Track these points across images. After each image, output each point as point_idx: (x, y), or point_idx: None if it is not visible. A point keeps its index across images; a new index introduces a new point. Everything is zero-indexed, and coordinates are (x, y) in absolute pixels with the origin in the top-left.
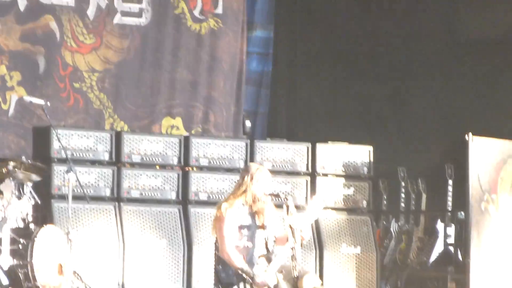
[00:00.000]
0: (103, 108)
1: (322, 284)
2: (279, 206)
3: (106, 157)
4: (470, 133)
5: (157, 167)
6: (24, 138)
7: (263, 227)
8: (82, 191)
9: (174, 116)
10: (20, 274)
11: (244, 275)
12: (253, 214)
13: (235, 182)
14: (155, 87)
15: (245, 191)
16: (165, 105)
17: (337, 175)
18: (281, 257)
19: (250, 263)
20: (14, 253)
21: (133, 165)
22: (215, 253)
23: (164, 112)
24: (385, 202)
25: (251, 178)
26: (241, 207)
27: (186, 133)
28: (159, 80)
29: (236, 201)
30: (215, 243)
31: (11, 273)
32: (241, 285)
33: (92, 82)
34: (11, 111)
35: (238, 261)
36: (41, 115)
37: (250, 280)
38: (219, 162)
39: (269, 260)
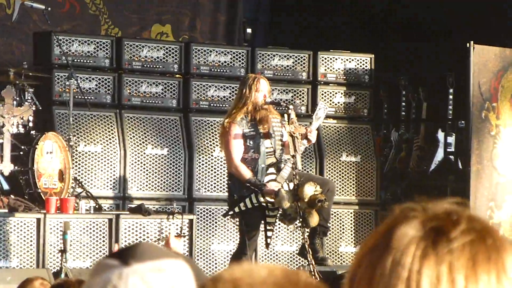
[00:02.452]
0: (99, 13)
1: (322, 193)
2: (280, 114)
3: (107, 63)
4: (472, 42)
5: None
6: (26, 43)
7: (268, 135)
8: (83, 97)
9: (164, 23)
10: (21, 180)
11: (252, 187)
12: (256, 124)
13: (236, 90)
14: None
15: (244, 103)
16: (155, 12)
17: (338, 84)
18: (290, 164)
19: (258, 173)
20: (15, 159)
21: (133, 72)
22: (227, 169)
23: (154, 19)
24: (385, 110)
25: (249, 89)
26: (243, 119)
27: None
28: None
29: (237, 114)
30: (226, 160)
31: (12, 179)
32: (253, 196)
33: None
34: (15, 15)
35: (245, 173)
36: (36, 21)
37: (259, 191)
38: (220, 70)
39: (278, 168)
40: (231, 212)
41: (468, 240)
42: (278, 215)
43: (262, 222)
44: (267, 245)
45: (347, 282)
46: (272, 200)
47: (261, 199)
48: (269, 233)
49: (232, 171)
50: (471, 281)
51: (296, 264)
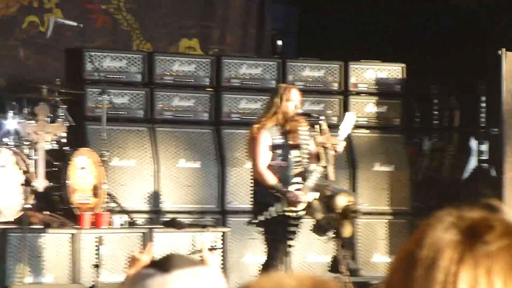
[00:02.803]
0: (131, 29)
1: (355, 203)
2: (312, 126)
3: (138, 78)
4: (503, 49)
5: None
6: (59, 60)
7: (296, 146)
8: (115, 112)
9: (191, 37)
10: (55, 196)
11: (277, 192)
12: (285, 134)
13: (266, 102)
14: (173, 7)
15: (275, 112)
16: (182, 25)
17: (370, 93)
18: (316, 174)
19: (285, 182)
20: (49, 176)
21: (165, 86)
22: (252, 176)
23: (181, 33)
24: (417, 119)
25: (281, 99)
26: (273, 127)
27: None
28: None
29: (267, 122)
30: (252, 166)
31: (46, 195)
32: (278, 205)
33: (120, 3)
34: (49, 33)
35: (270, 179)
36: (70, 37)
37: (284, 196)
38: (251, 82)
39: (304, 178)
40: (255, 221)
41: (505, 244)
42: (302, 224)
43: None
44: (287, 254)
45: (384, 286)
46: (296, 209)
47: (286, 208)
48: (291, 243)
49: (257, 176)
50: (509, 285)
51: (330, 275)
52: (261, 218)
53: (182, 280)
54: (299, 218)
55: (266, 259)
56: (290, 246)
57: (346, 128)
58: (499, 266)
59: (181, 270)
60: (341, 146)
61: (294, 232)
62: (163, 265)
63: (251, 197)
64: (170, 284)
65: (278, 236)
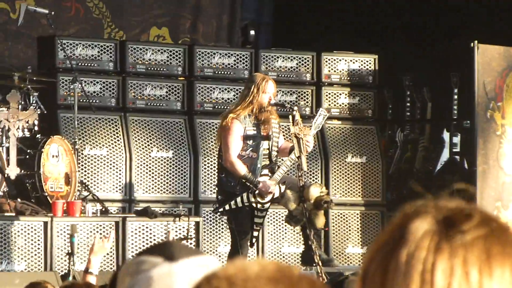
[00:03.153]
0: (102, 17)
1: (328, 194)
2: (284, 116)
3: (111, 67)
4: (476, 41)
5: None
6: (32, 47)
7: (268, 137)
8: (87, 101)
9: (160, 26)
10: (27, 184)
11: (247, 183)
12: (258, 125)
13: (239, 92)
14: None
15: (251, 102)
16: (153, 15)
17: (343, 85)
18: (284, 168)
19: (254, 173)
20: (21, 163)
21: (137, 75)
22: (219, 162)
23: (151, 22)
24: (390, 111)
25: (257, 89)
26: (246, 117)
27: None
28: None
29: (241, 111)
30: (219, 152)
31: (18, 182)
32: (244, 195)
33: None
34: (20, 20)
35: (241, 169)
36: (45, 25)
37: (254, 188)
38: (224, 72)
39: (272, 171)
40: (221, 209)
41: (482, 233)
42: (285, 216)
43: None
44: (252, 245)
45: (359, 278)
46: (263, 200)
47: (252, 199)
48: (255, 233)
49: (227, 166)
50: (485, 274)
51: (303, 266)
52: (227, 207)
53: (189, 270)
54: (265, 209)
55: (231, 249)
56: (254, 237)
57: (317, 123)
58: (475, 256)
59: (187, 260)
60: (311, 144)
61: (259, 223)
62: (169, 253)
63: (216, 185)
64: (177, 273)
65: (243, 226)
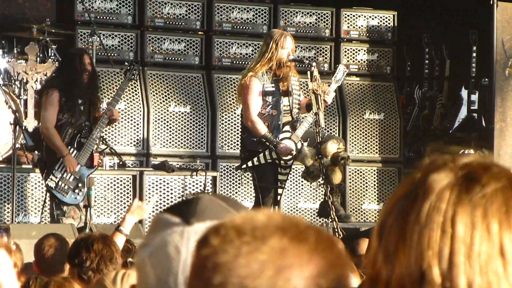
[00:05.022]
0: None
1: (345, 150)
2: (303, 72)
3: (129, 20)
4: None
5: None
6: (51, 0)
7: (287, 93)
8: (105, 54)
9: None
10: None
11: (267, 143)
12: (277, 81)
13: (258, 47)
14: None
15: (269, 58)
16: None
17: (361, 41)
18: (306, 124)
19: (275, 130)
20: (38, 116)
21: (156, 29)
22: (241, 122)
23: None
24: (408, 68)
25: (276, 44)
26: (265, 74)
27: None
28: None
29: (260, 68)
30: (241, 112)
31: (35, 135)
32: (266, 152)
33: None
34: None
35: (261, 129)
36: None
37: (274, 148)
38: (242, 27)
39: (293, 127)
40: (243, 166)
41: (500, 186)
42: (291, 173)
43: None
44: (277, 202)
45: (376, 230)
46: (285, 158)
47: (274, 156)
48: (279, 191)
49: (248, 124)
50: (504, 226)
51: (319, 221)
52: (250, 164)
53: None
54: (289, 166)
55: (254, 205)
56: (279, 194)
57: (337, 79)
58: (495, 208)
59: (203, 224)
60: (330, 97)
61: (283, 180)
62: (186, 214)
63: (239, 144)
64: (189, 239)
65: (266, 183)
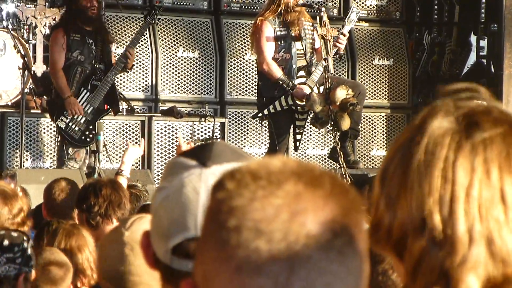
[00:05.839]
0: None
1: (353, 96)
2: (312, 17)
3: None
4: None
5: None
6: None
7: (299, 38)
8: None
9: None
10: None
11: (283, 85)
12: (287, 25)
13: None
14: None
15: (278, 4)
16: None
17: None
18: (320, 68)
19: (289, 74)
20: (47, 61)
21: None
22: (258, 69)
23: None
24: (418, 13)
25: None
26: (275, 19)
27: None
28: None
29: (270, 14)
30: (258, 58)
31: (45, 79)
32: (282, 99)
33: None
34: None
35: (277, 72)
36: None
37: (290, 90)
38: None
39: (308, 72)
40: (260, 114)
41: (500, 131)
42: (309, 118)
43: (292, 125)
44: (296, 148)
45: (378, 176)
46: (302, 103)
47: (291, 102)
48: (298, 136)
49: (263, 68)
50: (505, 171)
51: (328, 168)
52: (266, 112)
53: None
54: (306, 112)
55: (268, 151)
56: (298, 140)
57: (350, 19)
58: (495, 153)
59: (220, 166)
60: (343, 41)
61: (301, 126)
62: (203, 157)
63: (255, 91)
64: (207, 180)
65: (282, 130)
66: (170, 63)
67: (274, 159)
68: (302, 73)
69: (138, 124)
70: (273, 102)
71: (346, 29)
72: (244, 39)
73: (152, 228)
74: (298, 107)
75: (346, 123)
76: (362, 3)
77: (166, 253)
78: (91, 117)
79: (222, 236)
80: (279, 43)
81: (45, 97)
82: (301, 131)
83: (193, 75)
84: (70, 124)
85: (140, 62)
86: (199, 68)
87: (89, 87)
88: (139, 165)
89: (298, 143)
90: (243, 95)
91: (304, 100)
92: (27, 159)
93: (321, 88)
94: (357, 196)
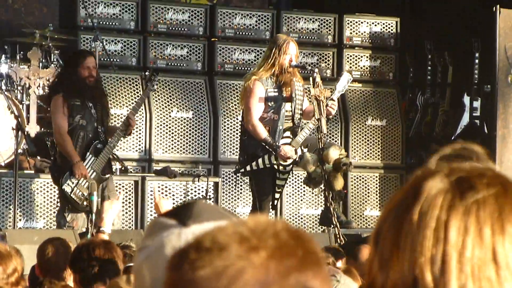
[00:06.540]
0: None
1: (347, 156)
2: (305, 78)
3: (132, 26)
4: (498, 5)
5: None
6: (47, 5)
7: (289, 99)
8: (108, 60)
9: None
10: (47, 142)
11: (267, 147)
12: (280, 86)
13: (261, 53)
14: None
15: (272, 63)
16: None
17: (364, 47)
18: (306, 131)
19: (275, 135)
20: (41, 121)
21: (159, 34)
22: (242, 125)
23: None
24: (411, 74)
25: (279, 50)
26: (268, 79)
27: (208, 2)
28: None
29: (263, 73)
30: (242, 114)
31: (38, 140)
32: (266, 157)
33: None
34: None
35: (262, 133)
36: None
37: (274, 153)
38: (245, 33)
39: (294, 133)
40: (242, 170)
41: (493, 192)
42: (290, 178)
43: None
44: (274, 206)
45: (372, 236)
46: (285, 163)
47: (274, 161)
48: (276, 195)
49: (249, 128)
50: (497, 232)
51: (321, 228)
52: (248, 168)
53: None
54: (287, 172)
55: (251, 209)
56: (276, 199)
57: (341, 87)
58: (488, 213)
59: (200, 225)
60: (335, 107)
61: (281, 185)
62: (182, 216)
63: (239, 147)
64: (186, 239)
65: (264, 188)
66: (164, 123)
67: (234, 223)
68: (287, 133)
69: (132, 184)
70: (256, 159)
71: (336, 96)
72: (237, 99)
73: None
74: (281, 167)
75: (339, 183)
76: (356, 64)
77: None
78: (92, 182)
79: None
80: (269, 104)
81: (38, 157)
82: (280, 190)
83: (187, 135)
84: (75, 189)
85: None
86: (192, 128)
87: (93, 151)
88: (132, 225)
89: (276, 201)
90: (236, 155)
91: (288, 160)
92: (20, 219)
93: (305, 150)
94: (308, 254)
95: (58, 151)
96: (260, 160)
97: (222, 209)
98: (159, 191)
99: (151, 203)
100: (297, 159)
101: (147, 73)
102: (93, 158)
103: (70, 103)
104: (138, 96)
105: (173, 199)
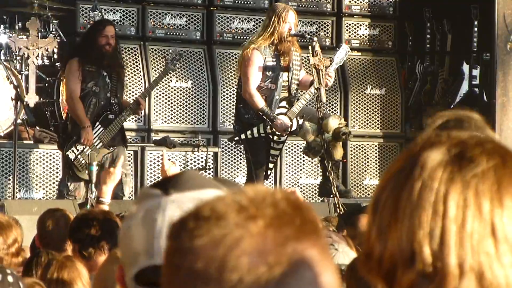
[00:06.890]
0: None
1: (346, 125)
2: (304, 47)
3: None
4: None
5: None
6: None
7: (287, 69)
8: None
9: None
10: (46, 112)
11: (263, 117)
12: (278, 56)
13: (259, 22)
14: None
15: (271, 32)
16: None
17: (363, 16)
18: (302, 101)
19: (271, 104)
20: (40, 91)
21: (157, 3)
22: (237, 92)
23: None
24: (410, 43)
25: (278, 18)
26: (267, 48)
27: None
28: None
29: (262, 42)
30: (239, 83)
31: (37, 110)
32: (261, 126)
33: None
34: None
35: (259, 102)
36: None
37: (270, 123)
38: (244, 2)
39: (290, 103)
40: (236, 138)
41: (492, 164)
42: (284, 147)
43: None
44: (267, 177)
45: (370, 205)
46: (283, 137)
47: (268, 131)
48: (270, 165)
49: (246, 97)
50: (496, 204)
51: (320, 197)
52: (243, 136)
53: (178, 204)
54: (282, 142)
55: (246, 178)
56: (270, 169)
57: (338, 59)
58: (487, 187)
59: (181, 194)
60: (331, 78)
61: (275, 155)
62: (166, 185)
63: (234, 115)
64: (165, 208)
65: (259, 157)
66: (163, 93)
67: (228, 194)
68: (283, 103)
69: (131, 155)
70: (251, 128)
71: (333, 67)
72: (236, 68)
73: (121, 257)
74: (275, 137)
75: (338, 153)
76: (355, 32)
77: (131, 282)
78: (98, 152)
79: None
80: (267, 73)
81: (37, 128)
82: (275, 160)
83: (186, 105)
84: (79, 156)
85: (133, 92)
86: (192, 98)
87: (102, 121)
88: (131, 195)
89: (269, 171)
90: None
91: (283, 132)
92: (19, 190)
93: (300, 121)
94: (307, 221)
95: (69, 116)
96: (255, 129)
97: (217, 179)
98: (160, 160)
99: (151, 173)
100: (294, 129)
101: (171, 51)
102: (102, 129)
103: (85, 68)
104: (137, 66)
105: None
